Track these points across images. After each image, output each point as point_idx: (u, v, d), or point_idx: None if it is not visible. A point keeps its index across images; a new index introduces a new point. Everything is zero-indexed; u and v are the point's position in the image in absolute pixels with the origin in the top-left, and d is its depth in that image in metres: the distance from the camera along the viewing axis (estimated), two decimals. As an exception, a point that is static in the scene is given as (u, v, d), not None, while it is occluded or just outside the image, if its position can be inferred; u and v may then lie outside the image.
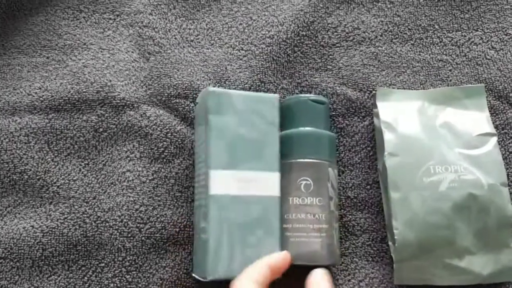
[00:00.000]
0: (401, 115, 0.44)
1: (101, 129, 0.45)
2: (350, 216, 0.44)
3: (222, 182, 0.39)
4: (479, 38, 0.49)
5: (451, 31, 0.50)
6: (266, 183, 0.39)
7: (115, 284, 0.41)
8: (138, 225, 0.42)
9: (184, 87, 0.46)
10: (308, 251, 0.39)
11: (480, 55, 0.49)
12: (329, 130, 0.43)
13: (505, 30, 0.50)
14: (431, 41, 0.49)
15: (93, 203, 0.43)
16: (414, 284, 0.41)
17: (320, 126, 0.42)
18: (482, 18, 0.50)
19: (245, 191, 0.39)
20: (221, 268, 0.37)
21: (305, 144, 0.41)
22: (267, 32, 0.48)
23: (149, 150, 0.44)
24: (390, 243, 0.42)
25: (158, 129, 0.45)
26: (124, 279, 0.41)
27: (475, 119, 0.44)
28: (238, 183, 0.39)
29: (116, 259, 0.42)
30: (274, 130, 0.41)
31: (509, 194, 0.43)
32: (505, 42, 0.49)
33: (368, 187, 0.45)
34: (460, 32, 0.50)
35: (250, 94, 0.41)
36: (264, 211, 0.39)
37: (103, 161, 0.44)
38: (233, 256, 0.38)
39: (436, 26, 0.50)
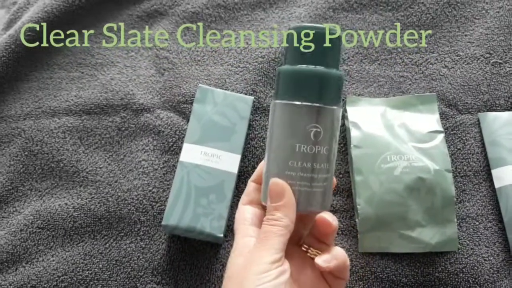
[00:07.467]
0: (366, 117, 0.54)
1: (123, 128, 0.56)
2: (325, 200, 0.53)
3: (190, 153, 0.50)
4: (435, 59, 0.60)
5: (411, 53, 0.60)
6: (228, 161, 0.50)
7: (131, 249, 0.50)
8: (151, 203, 0.52)
9: (190, 95, 0.57)
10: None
11: (435, 72, 0.59)
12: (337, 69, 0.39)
13: (456, 52, 0.60)
14: (394, 61, 0.60)
15: (115, 186, 0.53)
16: (375, 251, 0.50)
17: (330, 66, 0.37)
18: (438, 43, 0.61)
19: (208, 163, 0.49)
20: (174, 217, 0.48)
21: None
22: (259, 53, 0.59)
23: (161, 144, 0.55)
24: (357, 220, 0.51)
25: (169, 127, 0.55)
26: (139, 245, 0.51)
27: (427, 120, 0.54)
28: (204, 156, 0.50)
29: (132, 230, 0.51)
30: (244, 123, 0.52)
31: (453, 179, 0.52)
32: (456, 61, 0.60)
33: (341, 175, 0.54)
34: (419, 54, 0.60)
35: (230, 93, 0.53)
36: (221, 182, 0.49)
37: (123, 152, 0.55)
38: (186, 210, 0.48)
39: (399, 50, 0.60)
